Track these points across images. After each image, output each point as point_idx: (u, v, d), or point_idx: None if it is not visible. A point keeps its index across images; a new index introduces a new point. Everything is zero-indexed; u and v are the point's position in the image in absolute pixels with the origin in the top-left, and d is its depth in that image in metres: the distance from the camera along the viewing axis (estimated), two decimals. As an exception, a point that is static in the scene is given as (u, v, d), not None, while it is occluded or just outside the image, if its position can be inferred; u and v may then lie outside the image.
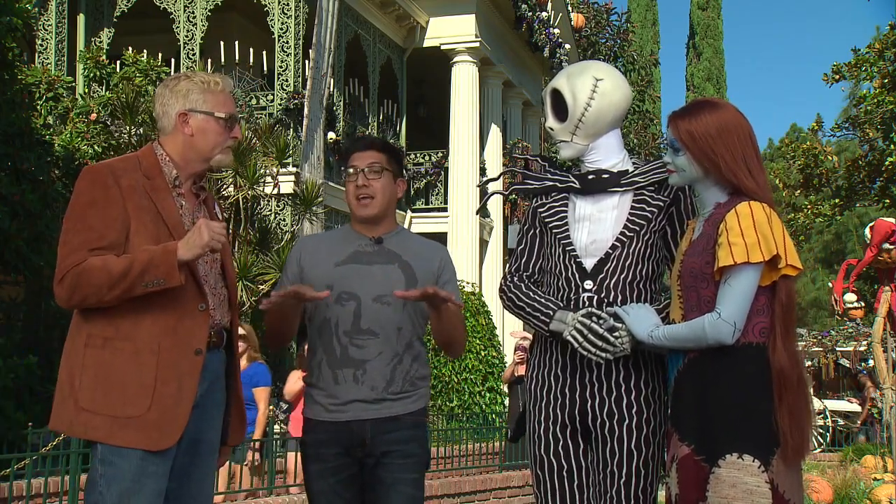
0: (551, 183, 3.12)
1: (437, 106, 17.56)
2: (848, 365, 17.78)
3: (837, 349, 17.91)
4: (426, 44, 16.40)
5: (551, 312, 2.96)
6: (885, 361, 9.34)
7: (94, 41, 13.64)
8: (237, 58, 13.12)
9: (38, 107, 10.96)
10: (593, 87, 3.00)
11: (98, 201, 2.71)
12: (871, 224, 9.29)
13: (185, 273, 2.70)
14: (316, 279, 3.08)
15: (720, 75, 38.97)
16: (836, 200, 20.29)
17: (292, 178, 12.18)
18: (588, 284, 2.97)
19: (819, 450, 13.98)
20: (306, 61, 12.76)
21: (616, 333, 2.86)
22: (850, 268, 10.03)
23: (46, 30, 13.23)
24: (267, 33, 13.28)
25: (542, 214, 3.11)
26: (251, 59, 13.41)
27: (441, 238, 15.14)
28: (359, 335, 3.03)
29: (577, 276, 2.98)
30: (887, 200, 19.59)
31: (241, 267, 9.78)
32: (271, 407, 8.24)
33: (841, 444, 14.34)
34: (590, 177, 3.05)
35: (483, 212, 16.91)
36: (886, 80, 18.40)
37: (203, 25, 13.38)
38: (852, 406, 16.29)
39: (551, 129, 3.10)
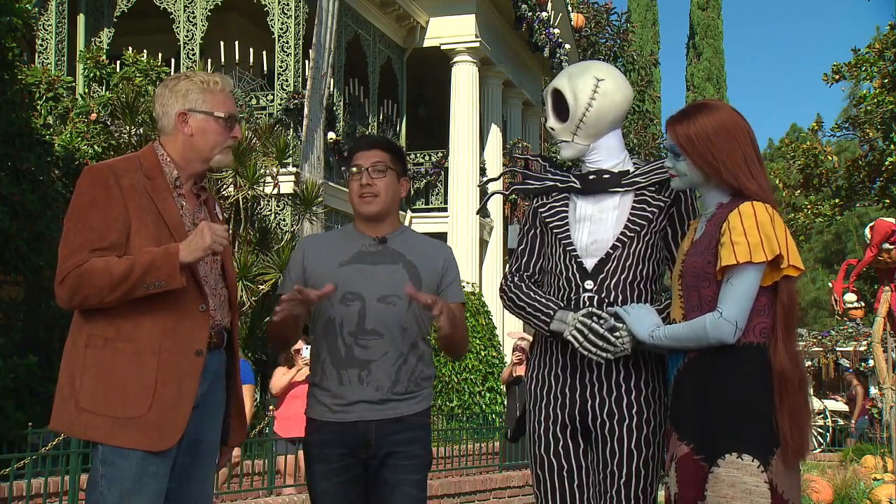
0: (552, 183, 3.12)
1: (437, 106, 17.56)
2: (848, 365, 17.79)
3: (837, 349, 17.92)
4: (426, 44, 16.40)
5: (552, 312, 2.96)
6: (885, 361, 9.34)
7: (94, 41, 13.64)
8: (237, 58, 13.12)
9: (38, 107, 10.95)
10: (594, 87, 3.00)
11: (99, 201, 2.70)
12: (871, 224, 9.29)
13: (185, 275, 2.70)
14: (319, 279, 3.07)
15: (720, 75, 38.97)
16: (836, 200, 20.28)
17: (292, 178, 12.17)
18: (588, 284, 2.97)
19: (819, 450, 13.98)
20: (306, 61, 12.76)
21: (617, 333, 2.86)
22: (850, 268, 10.03)
23: (46, 30, 13.22)
24: (267, 33, 13.28)
25: (543, 214, 3.11)
26: (251, 59, 13.41)
27: (441, 238, 15.09)
28: (364, 335, 3.02)
29: (577, 276, 2.98)
30: (887, 200, 19.59)
31: (241, 267, 9.78)
32: (271, 407, 8.24)
33: (841, 444, 14.35)
34: (590, 177, 3.05)
35: (483, 212, 16.91)
36: (886, 80, 18.39)
37: (203, 25, 13.38)
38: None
39: (552, 129, 3.10)
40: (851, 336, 17.76)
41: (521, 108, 19.70)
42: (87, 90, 12.67)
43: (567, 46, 18.80)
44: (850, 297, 14.75)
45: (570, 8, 20.65)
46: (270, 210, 12.31)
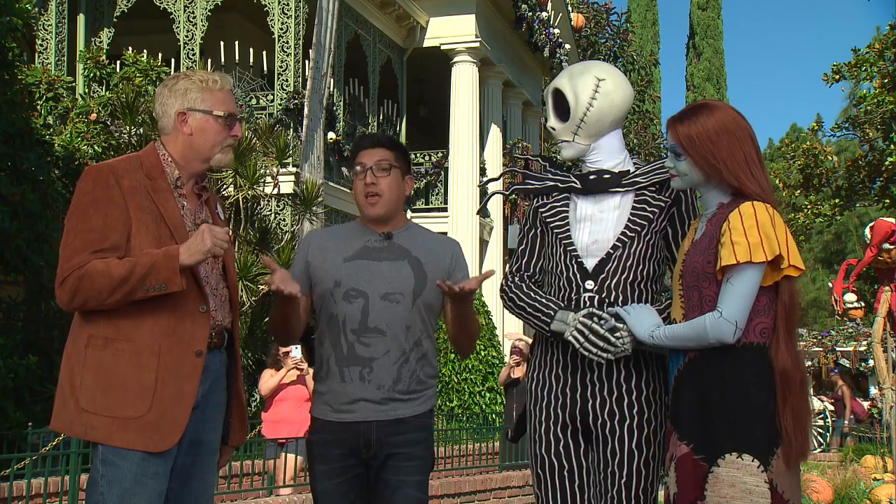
0: (552, 183, 3.12)
1: (437, 106, 17.56)
2: (848, 365, 17.79)
3: (837, 349, 17.92)
4: (426, 44, 16.40)
5: (552, 313, 2.96)
6: (885, 361, 9.34)
7: (94, 41, 13.64)
8: (237, 58, 13.12)
9: (38, 107, 10.96)
10: (595, 87, 3.00)
11: (100, 202, 2.69)
12: (871, 224, 9.29)
13: (186, 276, 2.69)
14: (324, 275, 3.06)
15: (720, 75, 38.96)
16: (836, 200, 20.27)
17: (292, 178, 12.17)
18: (589, 284, 2.96)
19: (819, 450, 13.98)
20: (306, 61, 12.76)
21: (617, 334, 2.86)
22: (850, 268, 10.02)
23: (46, 30, 13.22)
24: (267, 33, 13.28)
25: (544, 214, 3.10)
26: (251, 59, 13.41)
27: (441, 238, 15.10)
28: (366, 333, 3.00)
29: (578, 276, 2.98)
30: (887, 200, 19.58)
31: (241, 267, 9.78)
32: None
33: (841, 444, 14.35)
34: (591, 177, 3.05)
35: (483, 212, 16.91)
36: (886, 80, 18.39)
37: (203, 25, 13.38)
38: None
39: (553, 129, 3.10)
40: (851, 336, 17.77)
41: (521, 108, 19.70)
42: (87, 90, 12.67)
43: (567, 46, 18.80)
44: (850, 297, 14.75)
45: (570, 8, 20.65)
46: (270, 210, 12.31)
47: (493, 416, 12.77)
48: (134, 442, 2.64)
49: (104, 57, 12.34)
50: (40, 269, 9.05)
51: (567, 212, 3.06)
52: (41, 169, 9.26)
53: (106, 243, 2.67)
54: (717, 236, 2.68)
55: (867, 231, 9.19)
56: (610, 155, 3.06)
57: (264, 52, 13.50)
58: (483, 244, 17.34)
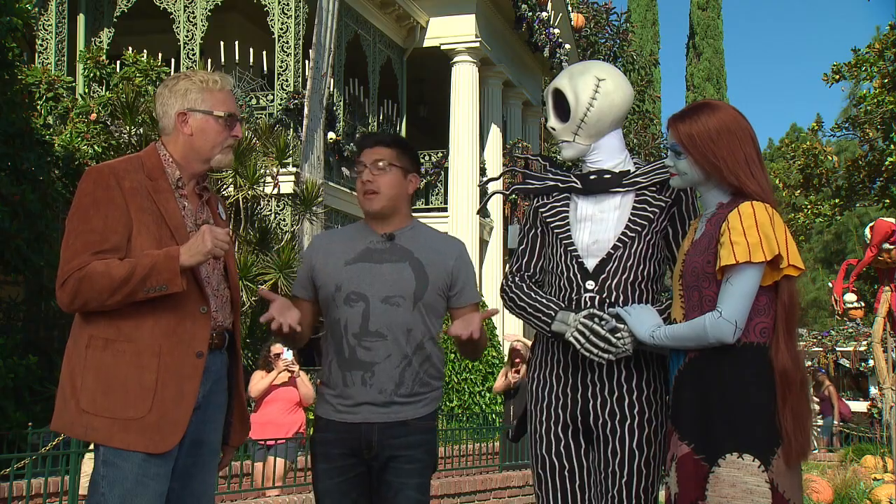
0: (553, 182, 3.12)
1: (437, 106, 17.57)
2: (848, 365, 17.79)
3: (837, 349, 17.93)
4: (426, 44, 16.40)
5: (553, 313, 2.95)
6: (885, 361, 9.34)
7: (94, 41, 13.64)
8: (237, 58, 13.12)
9: (38, 107, 10.97)
10: (595, 87, 3.00)
11: (101, 203, 2.69)
12: (871, 224, 9.27)
13: (186, 277, 2.69)
14: (326, 279, 3.07)
15: (720, 75, 38.97)
16: (836, 200, 20.28)
17: (292, 178, 12.18)
18: (590, 285, 2.96)
19: (818, 450, 13.97)
20: (306, 61, 12.76)
21: (618, 334, 2.86)
22: (850, 268, 10.01)
23: (46, 30, 13.23)
24: (267, 33, 13.28)
25: (544, 214, 3.10)
26: (251, 59, 13.41)
27: (441, 238, 15.10)
28: (367, 337, 2.99)
29: (578, 276, 2.98)
30: (887, 200, 19.58)
31: (241, 267, 9.78)
32: None
33: (841, 445, 14.34)
34: (591, 177, 3.04)
35: (483, 212, 16.92)
36: (886, 80, 18.39)
37: (203, 25, 13.38)
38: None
39: (553, 129, 3.10)
40: (851, 336, 17.77)
41: (521, 108, 19.71)
42: (87, 90, 12.67)
43: (567, 46, 18.81)
44: (850, 297, 14.75)
45: (570, 8, 20.65)
46: (270, 210, 12.31)
47: (493, 416, 12.77)
48: (135, 443, 2.63)
49: (104, 57, 12.34)
50: (40, 269, 9.05)
51: (567, 212, 3.06)
52: (41, 169, 9.26)
53: (107, 244, 2.67)
54: (717, 236, 2.68)
55: (867, 231, 9.17)
56: (610, 155, 3.05)
57: (264, 52, 13.50)
58: (483, 244, 17.34)
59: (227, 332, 2.88)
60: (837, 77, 19.09)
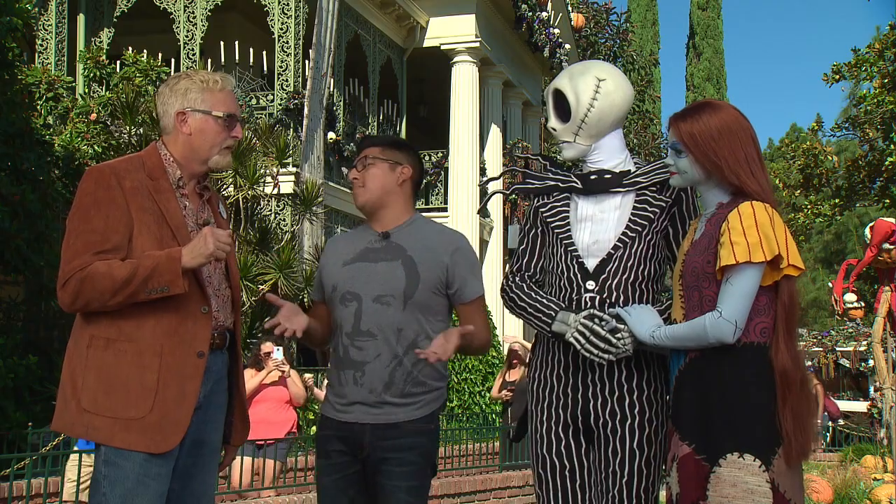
0: (553, 182, 3.12)
1: (437, 106, 17.56)
2: (848, 365, 17.79)
3: (837, 349, 17.92)
4: (426, 44, 16.40)
5: (553, 314, 2.95)
6: (885, 361, 9.34)
7: (94, 41, 13.64)
8: (237, 58, 13.12)
9: (38, 107, 10.97)
10: (596, 87, 3.00)
11: (102, 203, 2.69)
12: (871, 224, 9.27)
13: (188, 278, 2.69)
14: (327, 280, 3.12)
15: (720, 75, 38.97)
16: (836, 200, 20.28)
17: (292, 178, 12.18)
18: (590, 285, 2.96)
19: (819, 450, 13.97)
20: (306, 61, 12.76)
21: (618, 335, 2.86)
22: (850, 268, 10.01)
23: (46, 30, 13.23)
24: (267, 33, 13.28)
25: (544, 214, 3.10)
26: (251, 59, 13.41)
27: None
28: (359, 337, 3.01)
29: (579, 276, 2.98)
30: (887, 200, 19.59)
31: (241, 267, 9.78)
32: None
33: (841, 444, 14.34)
34: (592, 177, 3.04)
35: (483, 212, 16.91)
36: (886, 80, 18.39)
37: (203, 25, 13.38)
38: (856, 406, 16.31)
39: (554, 129, 3.09)
40: (851, 336, 17.77)
41: (521, 108, 19.71)
42: (87, 90, 12.67)
43: (567, 46, 18.81)
44: (850, 297, 14.76)
45: (570, 8, 20.66)
46: (270, 210, 12.31)
47: (493, 416, 12.77)
48: (136, 443, 2.63)
49: (104, 57, 12.34)
50: (40, 269, 9.05)
51: (568, 212, 3.06)
52: (41, 169, 9.26)
53: (108, 244, 2.67)
54: (717, 236, 2.68)
55: (867, 231, 9.17)
56: (611, 155, 3.05)
57: (264, 52, 13.50)
58: (483, 244, 17.34)
59: (228, 331, 2.88)
60: (837, 77, 19.10)
